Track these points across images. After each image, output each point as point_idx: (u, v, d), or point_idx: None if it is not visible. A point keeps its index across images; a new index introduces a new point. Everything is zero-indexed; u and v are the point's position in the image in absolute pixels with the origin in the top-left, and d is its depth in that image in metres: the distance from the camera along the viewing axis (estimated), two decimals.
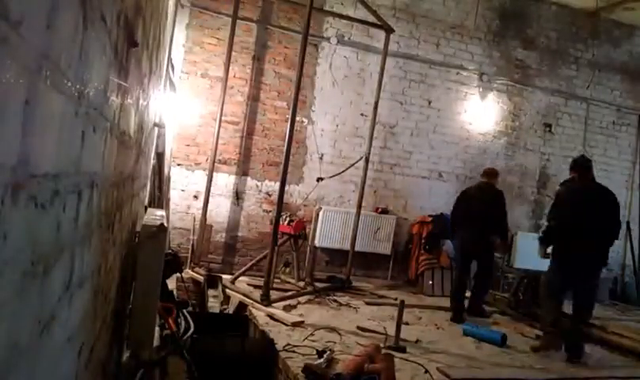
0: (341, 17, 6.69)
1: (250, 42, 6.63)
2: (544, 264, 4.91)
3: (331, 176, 6.51)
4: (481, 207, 5.55)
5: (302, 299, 5.43)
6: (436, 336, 4.74)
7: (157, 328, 2.94)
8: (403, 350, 4.06)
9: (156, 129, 4.06)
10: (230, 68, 6.36)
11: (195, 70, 6.43)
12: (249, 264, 5.95)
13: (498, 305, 6.28)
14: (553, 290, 4.75)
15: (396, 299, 5.09)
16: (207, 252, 6.48)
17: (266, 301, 4.85)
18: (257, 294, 5.05)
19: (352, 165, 6.66)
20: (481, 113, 7.62)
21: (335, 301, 5.54)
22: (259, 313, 4.62)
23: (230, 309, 5.21)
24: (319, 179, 6.37)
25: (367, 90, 6.99)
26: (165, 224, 2.38)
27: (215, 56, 6.44)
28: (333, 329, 4.42)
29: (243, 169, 6.68)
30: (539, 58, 7.90)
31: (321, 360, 3.54)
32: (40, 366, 0.84)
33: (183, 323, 3.60)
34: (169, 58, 5.11)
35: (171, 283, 4.47)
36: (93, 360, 1.51)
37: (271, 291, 5.06)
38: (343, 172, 6.62)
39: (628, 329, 5.53)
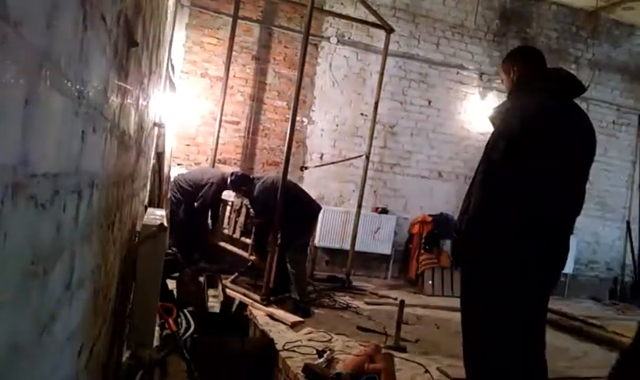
0: (341, 16, 6.69)
1: (250, 42, 6.63)
2: None
3: (316, 166, 6.58)
4: None
5: None
6: (436, 336, 4.73)
7: (157, 328, 2.94)
8: (403, 350, 4.06)
9: (156, 129, 4.06)
10: (230, 68, 6.36)
11: (195, 69, 6.43)
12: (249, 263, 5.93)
13: None
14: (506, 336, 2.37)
15: (396, 299, 5.09)
16: None
17: (266, 300, 4.85)
18: (257, 293, 5.05)
19: (347, 159, 6.68)
20: (481, 113, 7.62)
21: (335, 301, 5.54)
22: (259, 313, 4.62)
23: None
24: (303, 168, 6.44)
25: (367, 90, 6.99)
26: (165, 224, 2.38)
27: (215, 56, 6.44)
28: (332, 329, 4.43)
29: (243, 168, 6.67)
30: None
31: (321, 360, 3.54)
32: (40, 366, 0.84)
33: (183, 323, 3.60)
34: (169, 58, 5.11)
35: (171, 283, 4.48)
36: (93, 360, 1.51)
37: None
38: (330, 164, 6.67)
39: (628, 329, 5.52)
